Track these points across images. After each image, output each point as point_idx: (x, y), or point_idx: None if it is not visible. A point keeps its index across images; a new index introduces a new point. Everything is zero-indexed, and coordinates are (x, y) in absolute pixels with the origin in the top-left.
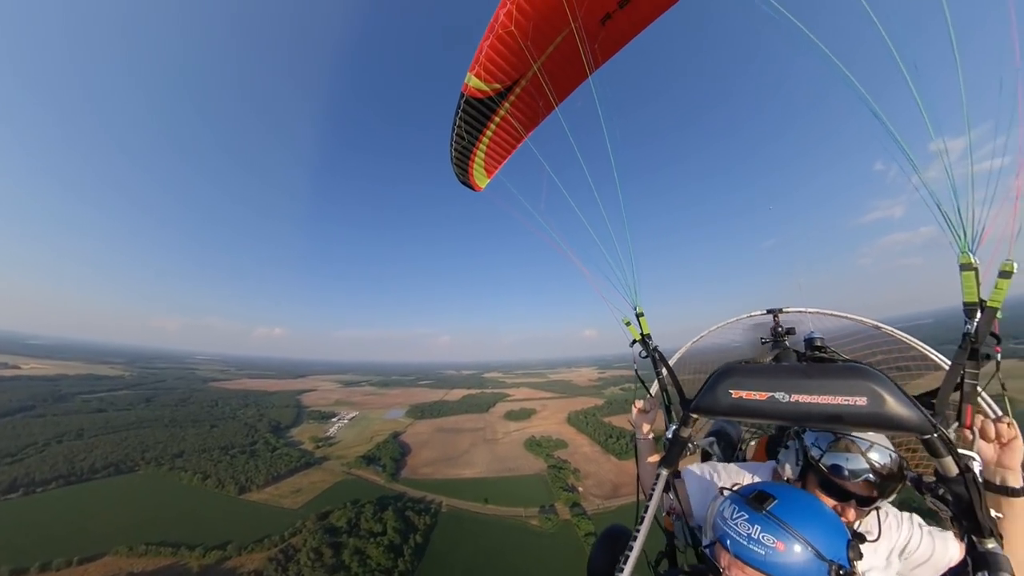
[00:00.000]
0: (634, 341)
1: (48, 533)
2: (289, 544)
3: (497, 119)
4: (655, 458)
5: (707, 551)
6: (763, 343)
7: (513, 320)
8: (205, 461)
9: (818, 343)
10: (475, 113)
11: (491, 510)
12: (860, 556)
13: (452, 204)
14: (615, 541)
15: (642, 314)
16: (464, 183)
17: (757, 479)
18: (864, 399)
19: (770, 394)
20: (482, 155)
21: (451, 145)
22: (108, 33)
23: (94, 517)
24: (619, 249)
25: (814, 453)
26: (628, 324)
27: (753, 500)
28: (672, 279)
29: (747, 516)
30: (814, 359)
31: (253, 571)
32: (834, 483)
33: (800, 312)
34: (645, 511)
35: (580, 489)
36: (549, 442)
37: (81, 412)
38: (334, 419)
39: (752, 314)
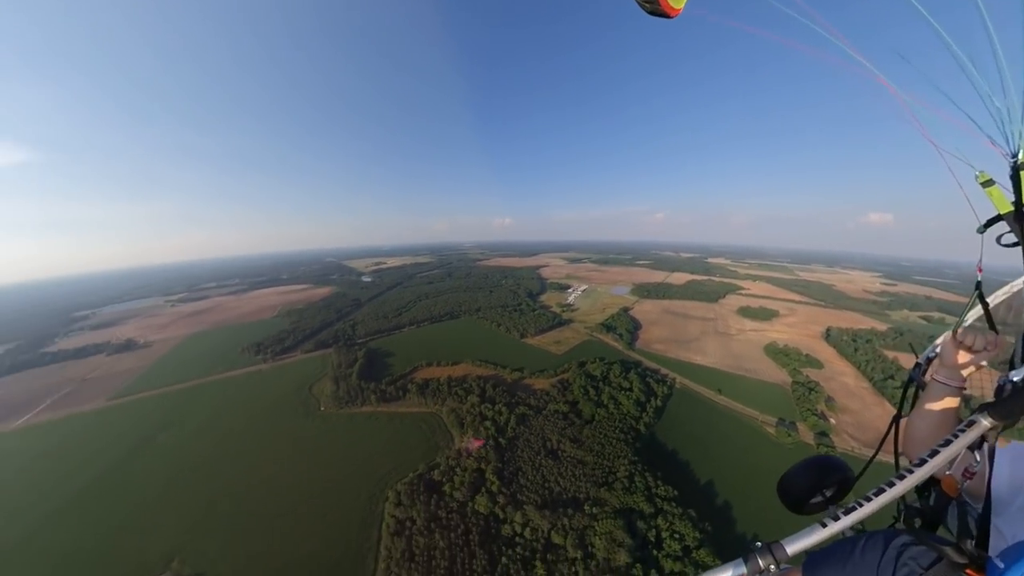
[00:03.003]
0: (993, 220)
1: (430, 346)
2: (562, 378)
3: None
4: (950, 404)
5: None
6: None
7: (743, 194)
8: (495, 314)
9: None
10: None
11: (723, 401)
12: None
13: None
14: (823, 470)
15: None
16: (653, 11)
17: None
18: None
19: None
20: None
21: None
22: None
23: (448, 342)
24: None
25: None
26: (987, 184)
27: None
28: None
29: None
30: None
31: (541, 389)
32: None
33: None
34: (917, 463)
35: (832, 421)
36: (797, 356)
37: (421, 284)
38: (569, 290)
39: None
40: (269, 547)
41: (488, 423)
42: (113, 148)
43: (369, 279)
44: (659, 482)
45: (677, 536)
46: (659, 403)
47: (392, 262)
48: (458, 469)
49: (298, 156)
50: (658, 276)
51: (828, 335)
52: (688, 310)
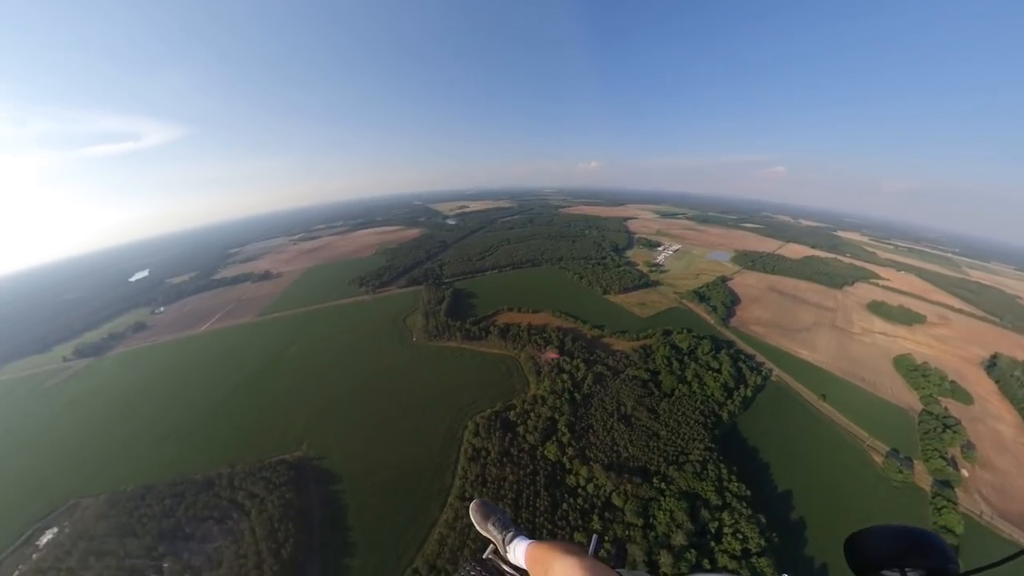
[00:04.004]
0: None
1: (511, 292)
2: (644, 344)
3: None
4: None
5: None
6: None
7: (902, 148)
8: (577, 266)
9: None
10: None
11: (826, 410)
12: None
13: None
14: (916, 546)
15: None
16: None
17: None
18: None
19: None
20: None
21: None
22: None
23: (529, 289)
24: None
25: None
26: None
27: None
28: None
29: None
30: None
31: (620, 351)
32: None
33: None
34: None
35: (964, 473)
36: (938, 379)
37: (503, 230)
38: (660, 248)
39: None
40: (370, 445)
41: (565, 376)
42: (243, 116)
43: (453, 222)
44: (733, 477)
45: (740, 537)
46: (748, 393)
47: (475, 206)
48: (532, 414)
49: (390, 102)
50: (768, 245)
51: (993, 363)
52: (801, 292)
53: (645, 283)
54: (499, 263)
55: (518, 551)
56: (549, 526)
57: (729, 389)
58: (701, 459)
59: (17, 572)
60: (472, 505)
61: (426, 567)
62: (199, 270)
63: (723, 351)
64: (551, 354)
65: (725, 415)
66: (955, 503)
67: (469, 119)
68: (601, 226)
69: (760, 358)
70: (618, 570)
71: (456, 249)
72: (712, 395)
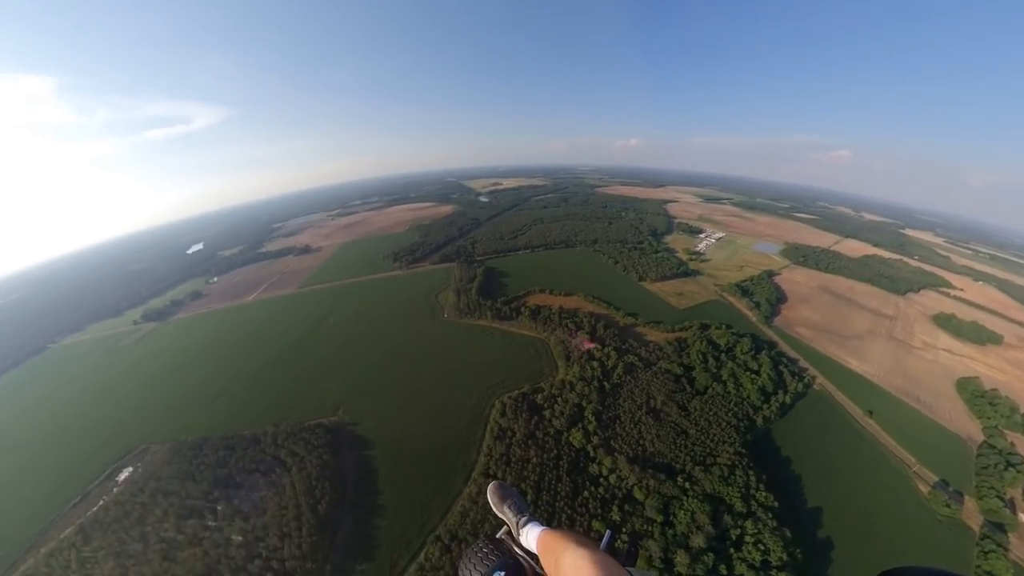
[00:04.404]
0: None
1: (544, 273)
2: (679, 336)
3: None
4: None
5: None
6: None
7: (995, 137)
8: (612, 249)
9: None
10: None
11: (870, 427)
12: None
13: None
14: None
15: None
16: None
17: None
18: None
19: None
20: None
21: None
22: None
23: (561, 271)
24: None
25: None
26: None
27: None
28: None
29: None
30: None
31: (654, 342)
32: None
33: None
34: None
35: (1022, 518)
36: (1008, 409)
37: (537, 208)
38: (701, 235)
39: None
40: (400, 414)
41: (595, 364)
42: (281, 95)
43: (486, 199)
44: (761, 485)
45: (762, 548)
46: (787, 399)
47: (507, 183)
48: (559, 399)
49: (422, 76)
50: (822, 239)
51: None
52: (857, 295)
53: (684, 272)
54: (532, 243)
55: (531, 536)
56: (568, 511)
57: (767, 393)
58: (729, 463)
59: (101, 502)
60: (490, 486)
61: (448, 535)
62: (247, 243)
63: (764, 352)
64: (586, 342)
65: (760, 420)
66: (1006, 548)
67: (503, 93)
68: (639, 208)
69: (803, 363)
70: (628, 568)
71: (488, 227)
72: (748, 397)
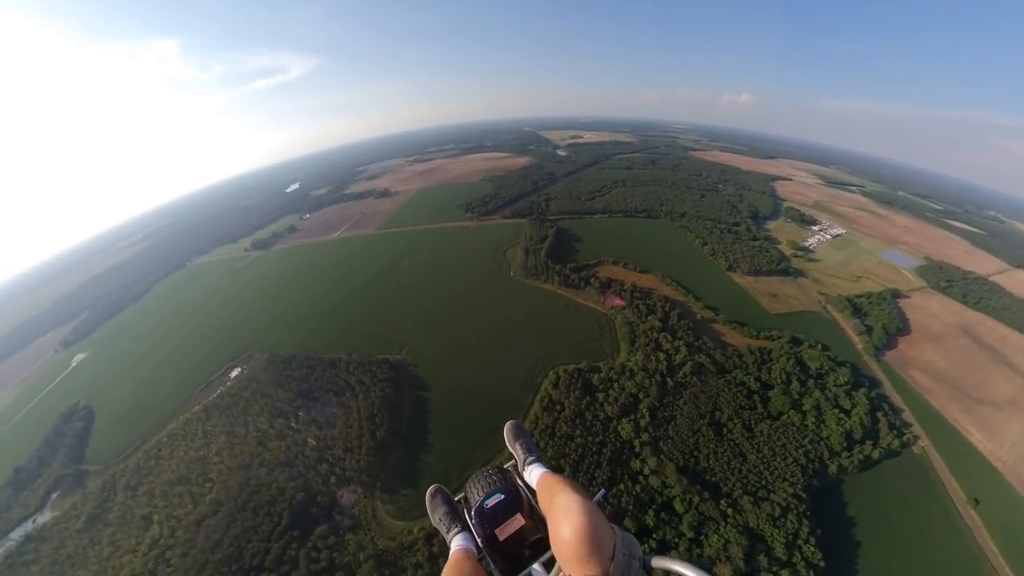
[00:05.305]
0: None
1: (619, 243)
2: (763, 345)
3: None
4: None
5: None
6: None
7: None
8: (701, 227)
9: None
10: None
11: (971, 521)
12: None
13: None
14: None
15: None
16: None
17: None
18: None
19: None
20: None
21: None
22: None
23: (639, 244)
24: None
25: None
26: None
27: None
28: None
29: None
30: None
31: (732, 346)
32: None
33: None
34: None
35: None
36: None
37: (619, 168)
38: (814, 227)
39: None
40: (458, 364)
41: (661, 356)
42: (365, 41)
43: (564, 153)
44: (812, 538)
45: None
46: (874, 454)
47: (589, 137)
48: (616, 385)
49: (501, 15)
50: (981, 262)
51: None
52: (1011, 349)
53: (783, 270)
54: (610, 207)
55: (534, 474)
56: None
57: (852, 440)
58: (784, 503)
59: (219, 391)
60: (509, 424)
61: None
62: (334, 184)
63: (862, 390)
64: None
65: (834, 467)
66: None
67: (589, 30)
68: (740, 182)
69: (909, 417)
70: (612, 525)
71: (564, 184)
72: (827, 438)
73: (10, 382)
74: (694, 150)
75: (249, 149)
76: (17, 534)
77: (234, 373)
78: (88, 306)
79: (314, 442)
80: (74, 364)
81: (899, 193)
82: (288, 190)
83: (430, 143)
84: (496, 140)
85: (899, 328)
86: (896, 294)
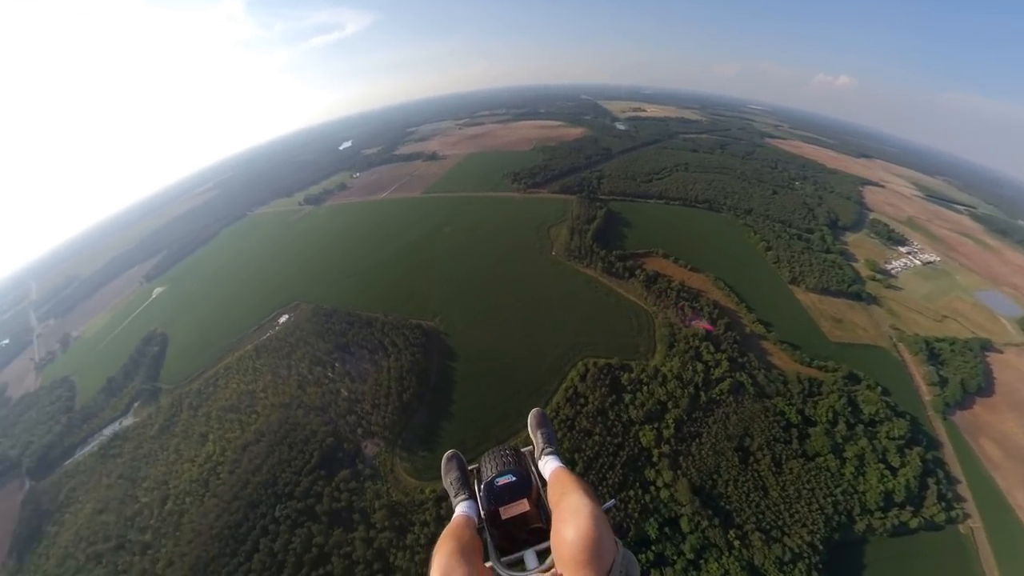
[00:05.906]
0: None
1: (673, 234)
2: (814, 375)
3: None
4: None
5: None
6: None
7: None
8: (767, 229)
9: None
10: None
11: None
12: None
13: None
14: None
15: None
16: None
17: None
18: None
19: None
20: None
21: None
22: None
23: (694, 238)
24: None
25: None
26: None
27: None
28: None
29: None
30: None
31: (779, 369)
32: None
33: None
34: None
35: None
36: None
37: (683, 149)
38: (902, 248)
39: None
40: (489, 339)
41: (699, 366)
42: None
43: (623, 127)
44: None
45: None
46: (913, 523)
47: (652, 110)
48: (645, 389)
49: None
50: None
51: None
52: None
53: (855, 293)
54: (667, 193)
55: (548, 465)
56: (605, 496)
57: (891, 501)
58: (796, 549)
59: (268, 334)
60: (534, 411)
61: None
62: (384, 144)
63: (917, 448)
64: (704, 324)
65: (861, 525)
66: None
67: None
68: (823, 181)
69: (964, 491)
70: (616, 539)
71: (620, 161)
72: (863, 493)
73: (107, 305)
74: (772, 137)
75: (307, 106)
76: (109, 431)
77: (282, 319)
78: (166, 246)
79: (346, 393)
80: (154, 296)
81: (1019, 222)
82: (341, 148)
83: (482, 106)
84: (551, 107)
85: (980, 387)
86: (986, 345)
